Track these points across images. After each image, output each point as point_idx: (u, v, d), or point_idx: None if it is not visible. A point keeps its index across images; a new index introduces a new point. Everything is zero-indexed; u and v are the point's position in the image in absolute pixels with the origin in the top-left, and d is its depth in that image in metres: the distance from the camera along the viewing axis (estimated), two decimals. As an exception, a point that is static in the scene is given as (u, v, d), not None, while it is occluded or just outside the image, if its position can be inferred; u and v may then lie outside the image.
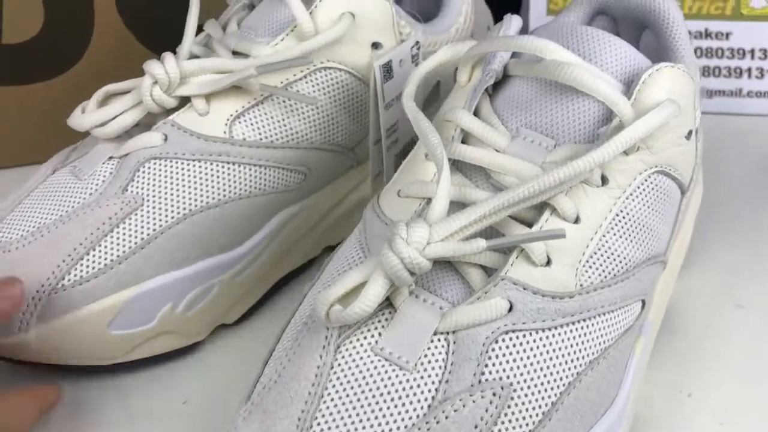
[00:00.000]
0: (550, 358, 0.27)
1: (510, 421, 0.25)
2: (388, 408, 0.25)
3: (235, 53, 0.37)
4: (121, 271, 0.34)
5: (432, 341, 0.26)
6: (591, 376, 0.28)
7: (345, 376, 0.26)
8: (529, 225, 0.28)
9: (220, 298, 0.37)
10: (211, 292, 0.36)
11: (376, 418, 0.25)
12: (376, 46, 0.38)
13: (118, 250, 0.34)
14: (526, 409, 0.26)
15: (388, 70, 0.37)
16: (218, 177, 0.36)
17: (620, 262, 0.29)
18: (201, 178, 0.35)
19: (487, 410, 0.25)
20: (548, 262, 0.28)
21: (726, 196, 0.44)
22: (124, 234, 0.34)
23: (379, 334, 0.26)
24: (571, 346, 0.27)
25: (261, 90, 0.35)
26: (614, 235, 0.29)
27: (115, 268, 0.34)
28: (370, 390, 0.25)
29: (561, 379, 0.27)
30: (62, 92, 0.47)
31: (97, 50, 0.48)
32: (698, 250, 0.40)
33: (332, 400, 0.25)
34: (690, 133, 0.31)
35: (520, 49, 0.29)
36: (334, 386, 0.25)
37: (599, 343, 0.28)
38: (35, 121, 0.48)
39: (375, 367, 0.26)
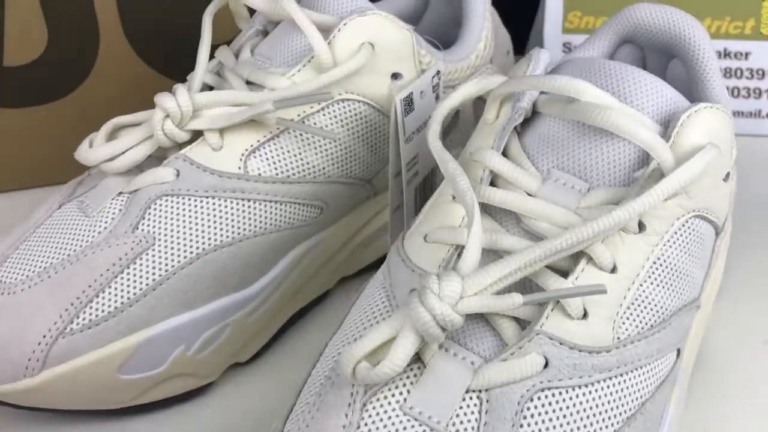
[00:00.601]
0: (587, 416, 0.26)
1: None
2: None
3: (249, 83, 0.36)
4: (132, 314, 0.33)
5: (464, 399, 0.25)
6: (628, 429, 0.27)
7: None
8: (564, 274, 0.27)
9: (234, 337, 0.35)
10: (224, 333, 0.35)
11: None
12: (396, 76, 0.36)
13: (128, 292, 0.33)
14: None
15: (409, 102, 0.35)
16: (232, 214, 0.34)
17: (657, 311, 0.28)
18: (215, 216, 0.34)
19: None
20: (584, 315, 0.27)
21: (747, 223, 0.43)
22: (135, 275, 0.33)
23: (408, 392, 0.25)
24: (609, 402, 0.26)
25: (277, 124, 0.34)
26: (651, 284, 0.28)
27: (126, 311, 0.33)
28: None
29: None
30: (66, 115, 0.46)
31: (102, 71, 0.46)
32: (724, 283, 0.39)
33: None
34: (728, 175, 0.30)
35: (553, 89, 0.28)
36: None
37: (637, 398, 0.27)
38: (38, 144, 0.47)
39: (404, 428, 0.25)
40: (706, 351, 0.35)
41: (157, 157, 0.35)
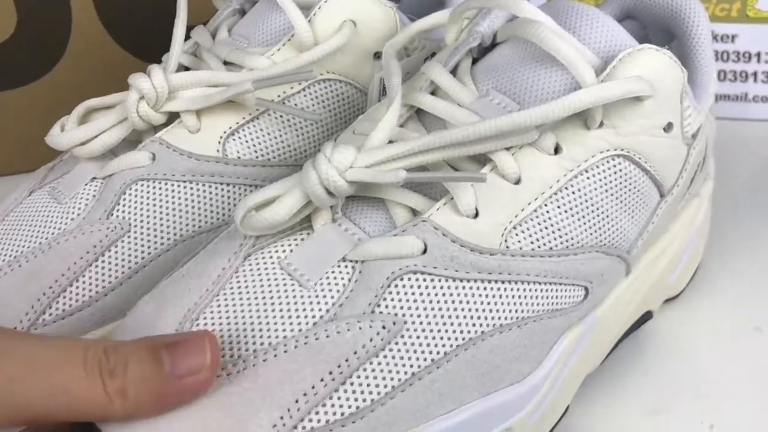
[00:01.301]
0: (455, 309, 0.26)
1: (393, 357, 0.25)
2: (274, 318, 0.25)
3: (227, 64, 0.34)
4: (106, 303, 0.31)
5: (339, 267, 0.26)
6: (498, 340, 0.27)
7: (245, 281, 0.26)
8: None
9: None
10: (204, 322, 0.34)
11: (260, 323, 0.25)
12: (378, 55, 0.35)
13: (103, 281, 0.31)
14: (414, 351, 0.25)
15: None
16: (211, 199, 0.33)
17: (559, 236, 0.28)
18: (192, 201, 0.33)
19: (371, 340, 0.25)
20: (476, 215, 0.27)
21: (731, 206, 0.42)
22: (110, 263, 0.31)
23: (291, 252, 0.27)
24: (480, 303, 0.27)
25: (257, 104, 0.33)
26: (558, 207, 0.28)
27: (101, 301, 0.31)
28: (263, 298, 0.26)
29: (461, 332, 0.26)
30: (38, 99, 0.44)
31: (74, 54, 0.45)
32: (708, 268, 0.38)
33: (225, 299, 0.26)
34: (670, 126, 0.30)
35: (494, 5, 0.29)
36: (231, 288, 0.26)
37: (514, 311, 0.27)
38: (7, 129, 0.45)
39: (276, 279, 0.26)
40: (695, 340, 0.35)
41: (132, 141, 0.34)
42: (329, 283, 0.26)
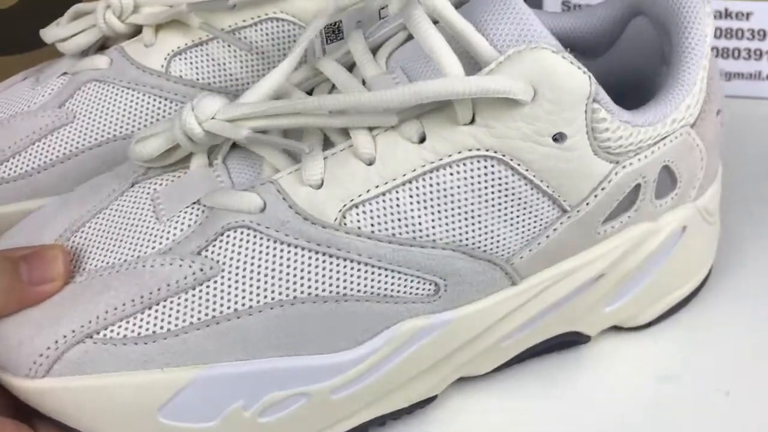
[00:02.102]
0: (273, 270, 0.27)
1: (200, 298, 0.27)
2: (126, 241, 0.28)
3: (194, -11, 0.37)
4: (39, 180, 0.36)
5: (192, 208, 0.28)
6: (309, 309, 0.27)
7: (122, 204, 0.29)
8: (331, 147, 0.28)
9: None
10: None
11: (114, 245, 0.28)
12: (337, 4, 0.36)
13: (40, 159, 0.35)
14: (221, 297, 0.27)
15: (335, 31, 0.35)
16: (148, 109, 0.36)
17: (405, 225, 0.28)
18: (132, 107, 0.36)
19: (185, 277, 0.27)
20: (320, 186, 0.27)
21: (742, 188, 0.39)
22: (49, 146, 0.35)
23: (165, 186, 0.29)
24: (301, 270, 0.27)
25: (200, 28, 0.35)
26: (409, 195, 0.27)
27: (35, 177, 0.35)
28: (127, 223, 0.29)
29: (272, 292, 0.27)
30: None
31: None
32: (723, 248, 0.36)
33: (103, 217, 0.29)
34: (562, 136, 0.27)
35: None
36: (111, 208, 0.29)
37: (335, 286, 0.28)
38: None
39: (141, 208, 0.29)
40: (709, 309, 0.34)
41: (109, 47, 0.37)
42: (177, 221, 0.28)
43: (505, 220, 0.28)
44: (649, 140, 0.29)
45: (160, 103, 0.36)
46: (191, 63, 0.36)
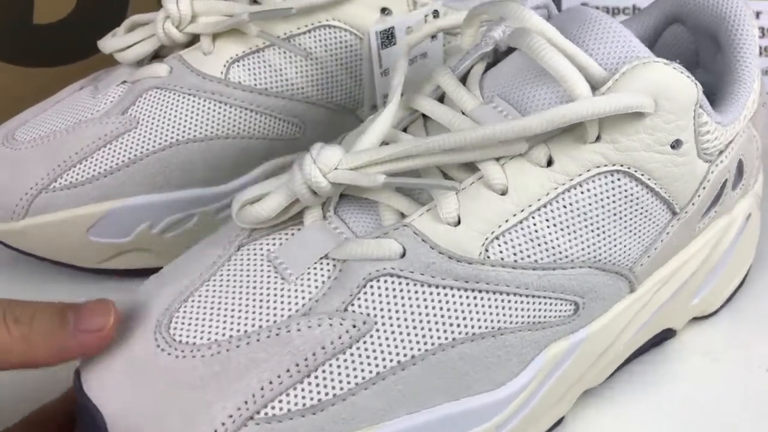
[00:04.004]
0: (427, 314, 0.26)
1: (360, 355, 0.26)
2: (254, 307, 0.26)
3: (254, 1, 0.39)
4: (105, 183, 0.37)
5: (321, 264, 0.27)
6: (468, 348, 0.27)
7: (234, 269, 0.27)
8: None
9: (200, 228, 0.39)
10: (191, 221, 0.39)
11: (240, 311, 0.26)
12: (385, 11, 0.38)
13: (106, 164, 0.37)
14: (381, 351, 0.26)
15: (388, 36, 0.37)
16: (209, 114, 0.38)
17: (545, 249, 0.28)
18: (193, 112, 0.38)
19: (340, 337, 0.26)
20: (458, 223, 0.27)
21: None
22: (114, 151, 0.37)
23: (280, 245, 0.28)
24: (454, 310, 0.27)
25: (259, 37, 0.37)
26: (545, 220, 0.27)
27: (101, 180, 0.37)
28: (247, 287, 0.27)
29: (431, 337, 0.26)
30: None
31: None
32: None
33: (214, 284, 0.27)
34: (678, 143, 0.28)
35: (500, 13, 0.29)
36: (221, 275, 0.27)
37: (489, 320, 0.27)
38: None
39: (261, 271, 0.27)
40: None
41: (165, 56, 0.39)
42: (309, 279, 0.27)
43: (630, 230, 0.29)
44: (731, 137, 0.31)
45: (220, 108, 0.38)
46: (249, 69, 0.38)
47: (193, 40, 0.38)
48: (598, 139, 0.27)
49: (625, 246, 0.29)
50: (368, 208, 0.28)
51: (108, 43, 0.39)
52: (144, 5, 0.47)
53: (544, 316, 0.28)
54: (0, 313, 0.25)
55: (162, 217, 0.38)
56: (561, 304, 0.29)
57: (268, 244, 0.28)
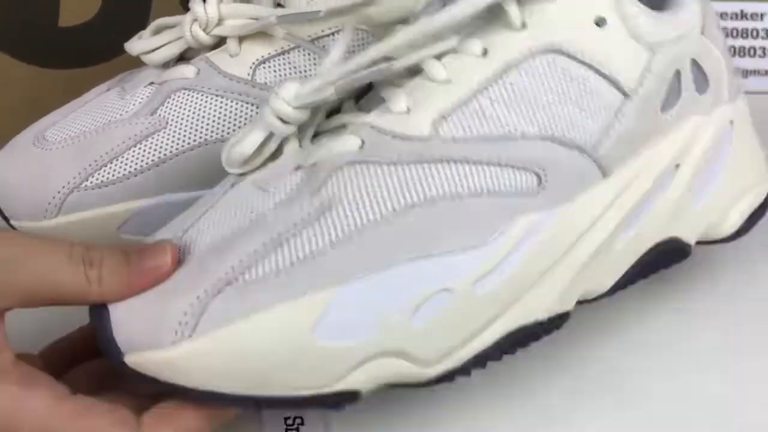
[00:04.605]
0: (385, 187, 0.29)
1: (325, 225, 0.29)
2: (236, 215, 0.30)
3: (278, 5, 0.40)
4: (136, 182, 0.38)
5: (294, 173, 0.31)
6: (426, 211, 0.29)
7: (228, 198, 0.31)
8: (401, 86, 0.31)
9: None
10: (217, 219, 0.40)
11: (232, 218, 0.30)
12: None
13: (136, 163, 0.38)
14: (343, 219, 0.29)
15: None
16: (236, 114, 0.39)
17: (494, 125, 0.30)
18: (221, 113, 0.39)
19: (309, 214, 0.29)
20: (407, 111, 0.30)
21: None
22: (144, 150, 0.38)
23: (263, 172, 0.32)
24: (411, 181, 0.30)
25: (285, 38, 0.38)
26: (489, 98, 0.30)
27: (131, 180, 0.38)
28: (235, 205, 0.31)
29: (390, 203, 0.29)
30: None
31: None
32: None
33: (212, 212, 0.31)
34: (602, 20, 0.31)
35: None
36: (218, 205, 0.31)
37: (447, 186, 0.30)
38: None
39: (247, 192, 0.31)
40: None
41: (190, 58, 0.40)
42: (285, 185, 0.30)
43: (580, 107, 0.31)
44: (675, 34, 0.33)
45: (247, 108, 0.39)
46: (275, 71, 0.39)
47: (219, 42, 0.39)
48: (524, 26, 0.31)
49: (578, 122, 0.31)
50: (338, 136, 0.31)
51: (135, 46, 0.40)
52: (167, 7, 0.48)
53: (505, 185, 0.30)
54: (78, 258, 0.28)
55: (191, 214, 0.39)
56: (521, 174, 0.31)
57: (254, 175, 0.32)
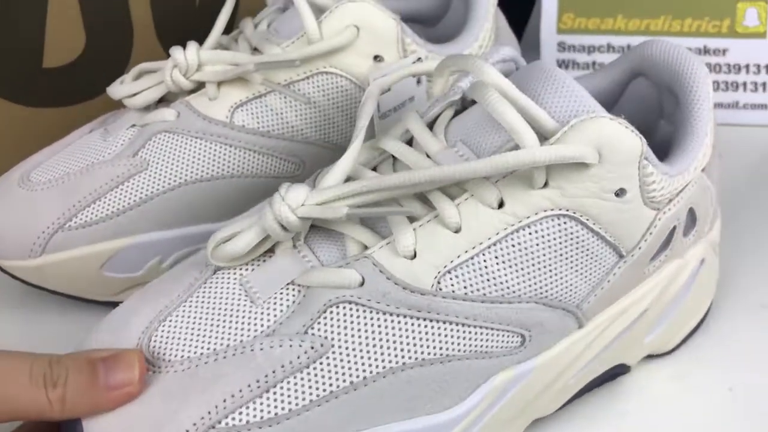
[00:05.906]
0: (380, 339, 0.29)
1: (316, 375, 0.28)
2: (224, 327, 0.29)
3: (255, 50, 0.41)
4: (118, 222, 0.40)
5: (287, 289, 0.30)
6: (417, 373, 0.29)
7: (209, 292, 0.30)
8: (412, 221, 0.30)
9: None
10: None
11: (212, 331, 0.29)
12: (377, 58, 0.41)
13: (119, 204, 0.40)
14: (336, 372, 0.28)
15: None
16: (215, 156, 0.40)
17: (493, 284, 0.30)
18: (201, 154, 0.40)
19: (298, 357, 0.28)
20: (414, 256, 0.30)
21: (730, 207, 0.44)
22: (126, 191, 0.40)
23: (252, 271, 0.30)
24: (406, 337, 0.29)
25: (262, 84, 0.40)
26: (494, 257, 0.30)
27: (114, 219, 0.40)
28: (220, 309, 0.30)
29: (383, 361, 0.29)
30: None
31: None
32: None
33: (190, 306, 0.30)
34: (622, 191, 0.30)
35: (463, 67, 0.31)
36: (197, 297, 0.30)
37: (439, 348, 0.30)
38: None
39: (233, 294, 0.30)
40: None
41: (170, 102, 0.42)
42: (275, 303, 0.29)
43: (577, 270, 0.31)
44: (680, 187, 0.33)
45: (225, 149, 0.40)
46: (252, 114, 0.41)
47: (198, 86, 0.41)
48: (546, 185, 0.30)
49: (571, 285, 0.31)
50: (335, 239, 0.30)
51: (116, 90, 0.42)
52: (146, 50, 0.50)
53: (491, 346, 0.31)
54: (39, 379, 0.27)
55: (171, 251, 0.41)
56: (508, 336, 0.31)
57: (241, 270, 0.30)
